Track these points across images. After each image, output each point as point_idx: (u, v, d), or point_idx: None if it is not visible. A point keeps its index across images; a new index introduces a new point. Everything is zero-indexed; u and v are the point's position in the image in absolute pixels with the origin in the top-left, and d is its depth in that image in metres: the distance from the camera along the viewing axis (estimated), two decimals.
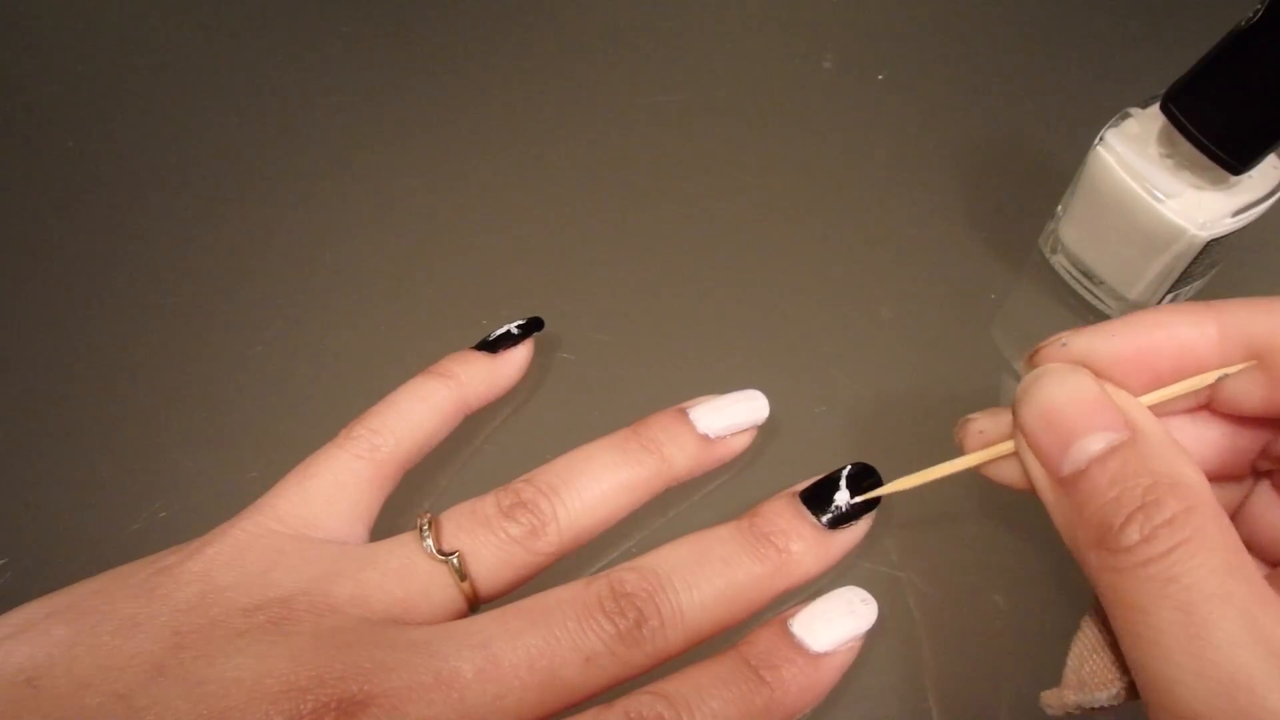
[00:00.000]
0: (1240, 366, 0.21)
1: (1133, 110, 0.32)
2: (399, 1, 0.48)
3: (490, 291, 0.37)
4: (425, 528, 0.25)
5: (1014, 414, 0.22)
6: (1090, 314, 0.36)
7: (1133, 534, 0.18)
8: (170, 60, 0.46)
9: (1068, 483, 0.20)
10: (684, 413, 0.29)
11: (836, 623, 0.24)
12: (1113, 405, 0.20)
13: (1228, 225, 0.30)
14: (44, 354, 0.36)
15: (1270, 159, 0.30)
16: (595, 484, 0.26)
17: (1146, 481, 0.19)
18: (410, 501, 0.29)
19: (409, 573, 0.24)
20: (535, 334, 0.32)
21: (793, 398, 0.34)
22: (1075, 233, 0.35)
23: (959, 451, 0.25)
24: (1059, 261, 0.36)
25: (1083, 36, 0.45)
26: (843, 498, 0.26)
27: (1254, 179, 0.30)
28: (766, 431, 0.30)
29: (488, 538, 0.25)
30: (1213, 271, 0.33)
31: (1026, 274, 0.37)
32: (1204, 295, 0.35)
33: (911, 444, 0.33)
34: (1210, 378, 0.21)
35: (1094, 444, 0.20)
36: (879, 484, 0.26)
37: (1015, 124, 0.42)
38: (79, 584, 0.23)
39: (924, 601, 0.30)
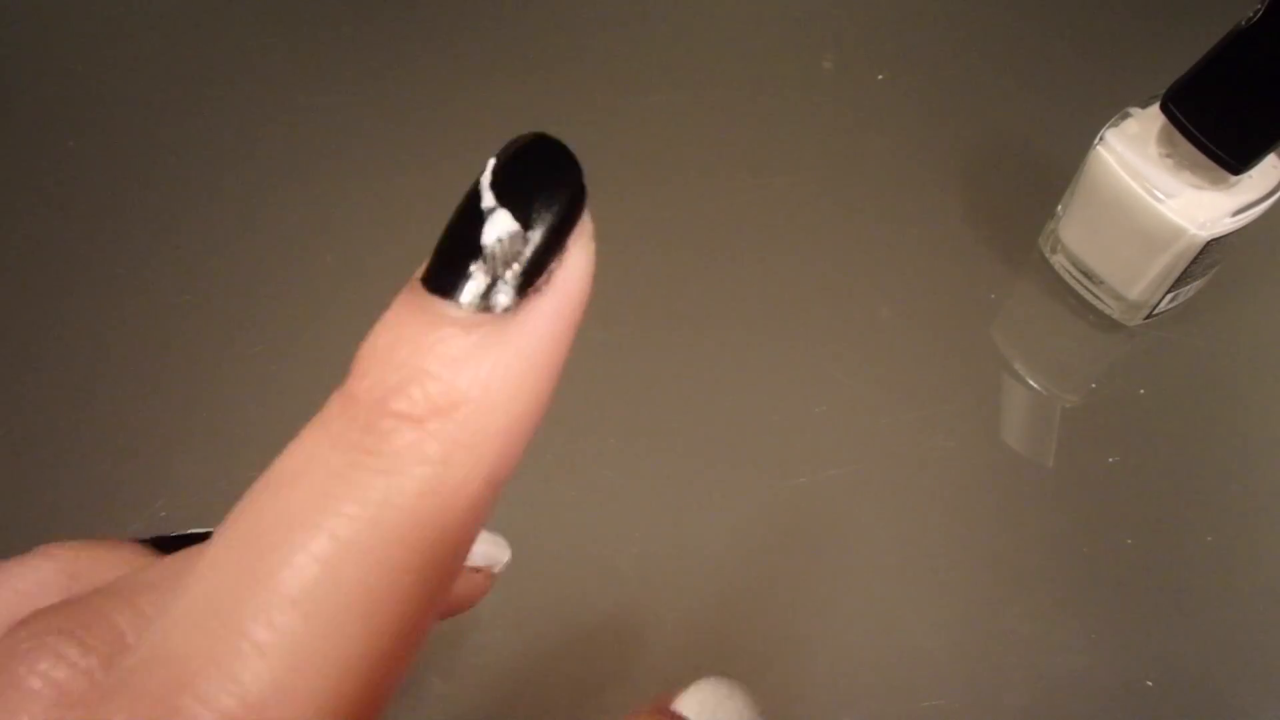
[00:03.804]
0: None
1: (1133, 110, 0.32)
2: (399, 1, 0.48)
3: None
4: None
5: None
6: (1090, 314, 0.36)
7: None
8: (170, 60, 0.46)
9: None
10: None
11: None
12: None
13: (1228, 225, 0.30)
14: (44, 354, 0.36)
15: (1270, 159, 0.30)
16: None
17: None
18: None
19: None
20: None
21: (793, 398, 0.34)
22: (1075, 233, 0.35)
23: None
24: (1059, 261, 0.36)
25: (1083, 36, 0.45)
26: (500, 231, 0.12)
27: (1254, 179, 0.30)
28: (767, 431, 0.30)
29: None
30: (1213, 271, 0.33)
31: (1026, 274, 0.37)
32: (1204, 295, 0.35)
33: (911, 444, 0.33)
34: None
35: None
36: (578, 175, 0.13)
37: (1015, 124, 0.42)
38: None
39: None
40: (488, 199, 0.12)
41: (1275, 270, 0.37)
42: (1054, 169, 0.38)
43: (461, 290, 0.11)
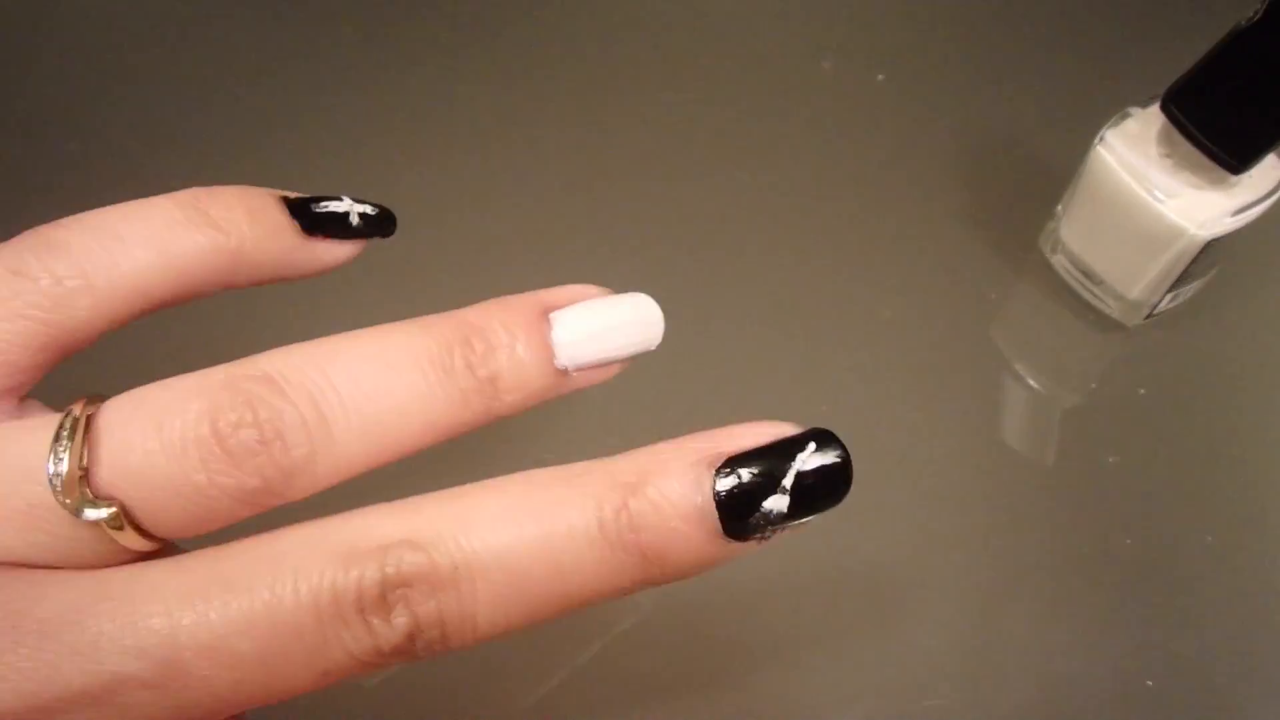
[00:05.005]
0: None
1: (1133, 110, 0.32)
2: (401, 2, 0.48)
3: (490, 290, 0.37)
4: (66, 434, 0.15)
5: None
6: (1090, 314, 0.36)
7: None
8: (170, 60, 0.46)
9: None
10: (544, 322, 0.19)
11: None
12: None
13: (1228, 225, 0.30)
14: None
15: (1270, 158, 0.30)
16: (389, 419, 0.16)
17: None
18: None
19: (30, 517, 0.15)
20: (378, 237, 0.22)
21: (793, 398, 0.34)
22: (1075, 233, 0.35)
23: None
24: (1059, 261, 0.36)
25: (1083, 36, 0.45)
26: (778, 505, 0.16)
27: (1254, 178, 0.30)
28: None
29: (183, 484, 0.15)
30: (1213, 271, 0.33)
31: (1026, 274, 0.37)
32: (1204, 295, 0.35)
33: (911, 444, 0.33)
34: None
35: None
36: (849, 468, 0.17)
37: (1015, 124, 0.42)
38: None
39: None
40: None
41: (1275, 270, 0.37)
42: (1054, 169, 0.38)
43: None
